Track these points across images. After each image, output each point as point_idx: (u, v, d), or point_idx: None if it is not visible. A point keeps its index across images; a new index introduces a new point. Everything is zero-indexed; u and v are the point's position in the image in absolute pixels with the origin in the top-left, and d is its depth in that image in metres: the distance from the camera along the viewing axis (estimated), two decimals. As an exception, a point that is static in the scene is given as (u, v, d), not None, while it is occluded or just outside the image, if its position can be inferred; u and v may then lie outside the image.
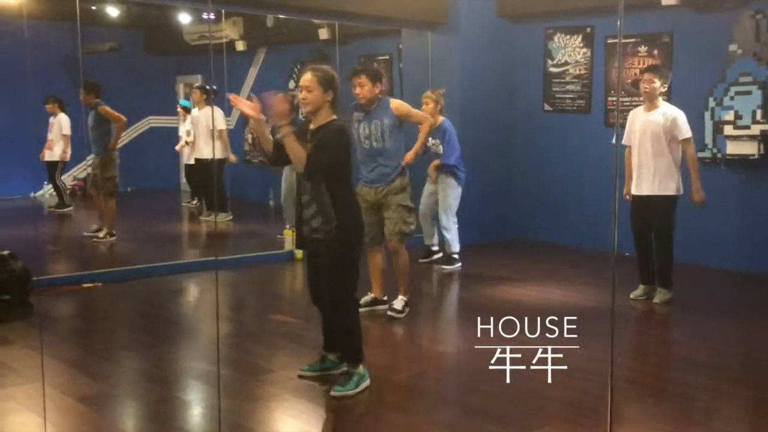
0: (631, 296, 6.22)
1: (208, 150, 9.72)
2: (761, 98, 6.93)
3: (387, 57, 10.28)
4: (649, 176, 5.97)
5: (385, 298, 5.98)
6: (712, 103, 7.33)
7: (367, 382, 4.33)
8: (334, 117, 4.22)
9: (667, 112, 5.96)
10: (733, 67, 7.19)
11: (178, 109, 11.39)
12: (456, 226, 7.45)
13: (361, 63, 10.58)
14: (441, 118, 7.31)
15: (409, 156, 5.98)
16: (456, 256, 7.51)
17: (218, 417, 3.85)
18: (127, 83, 11.95)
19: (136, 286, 6.98)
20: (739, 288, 6.28)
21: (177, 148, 11.19)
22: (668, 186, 5.94)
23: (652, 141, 5.96)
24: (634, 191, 6.11)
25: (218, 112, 10.03)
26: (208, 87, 9.80)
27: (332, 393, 4.25)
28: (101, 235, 8.80)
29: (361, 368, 4.34)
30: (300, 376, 4.50)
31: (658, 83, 5.98)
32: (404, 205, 5.72)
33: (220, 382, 4.40)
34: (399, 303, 5.83)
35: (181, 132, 11.11)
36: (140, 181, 12.06)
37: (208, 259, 7.68)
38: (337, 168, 4.20)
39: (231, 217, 10.04)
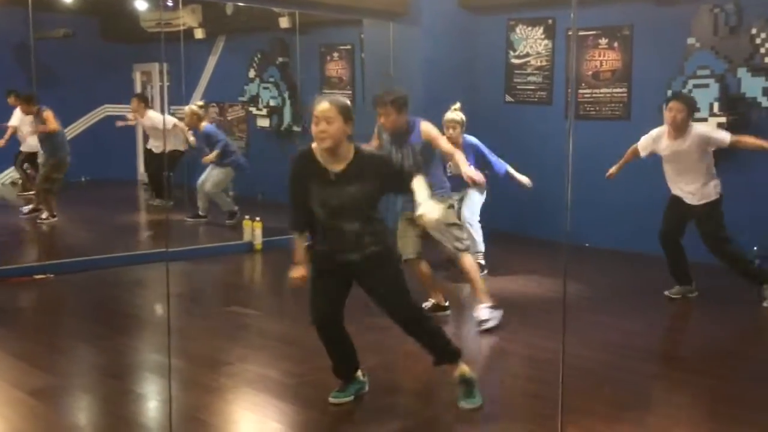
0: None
1: (160, 144, 10.09)
2: (719, 91, 7.00)
3: (349, 47, 10.21)
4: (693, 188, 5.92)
5: (447, 303, 5.71)
6: (670, 95, 7.38)
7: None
8: (358, 146, 3.84)
9: (697, 133, 5.79)
10: (692, 60, 7.25)
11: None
12: None
13: (321, 52, 10.50)
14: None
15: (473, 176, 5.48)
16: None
17: (169, 410, 3.76)
18: (83, 71, 11.72)
19: (90, 278, 6.84)
20: (697, 279, 6.33)
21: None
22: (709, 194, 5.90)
23: (687, 163, 5.86)
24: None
25: (158, 116, 10.32)
26: (146, 96, 10.47)
27: (464, 407, 3.95)
28: (44, 216, 9.13)
29: (466, 369, 4.00)
30: (334, 404, 4.03)
31: (685, 114, 5.73)
32: (451, 223, 5.42)
33: (177, 375, 4.33)
34: (484, 313, 5.43)
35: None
36: (96, 171, 11.80)
37: (160, 251, 7.54)
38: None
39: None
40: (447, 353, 3.98)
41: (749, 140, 5.80)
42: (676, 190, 6.03)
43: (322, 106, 3.72)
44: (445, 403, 4.05)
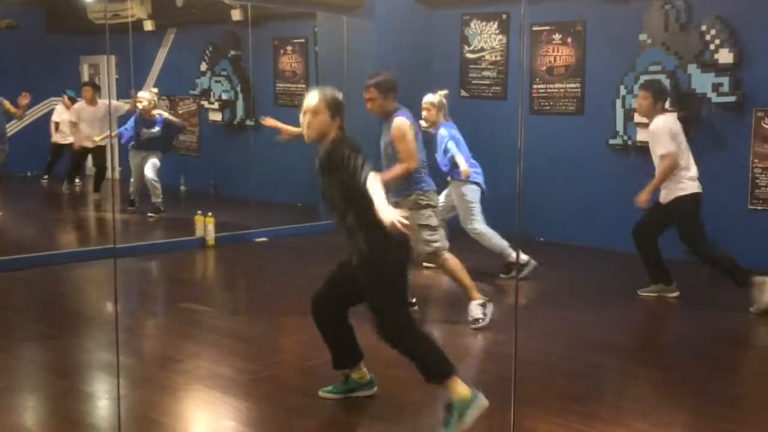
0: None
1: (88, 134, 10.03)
2: (669, 87, 7.07)
3: (302, 40, 10.11)
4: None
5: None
6: (623, 91, 7.47)
7: (476, 410, 3.55)
8: (339, 137, 3.72)
9: (654, 125, 5.78)
10: (643, 56, 7.33)
11: (65, 99, 11.07)
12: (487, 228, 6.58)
13: (275, 45, 10.38)
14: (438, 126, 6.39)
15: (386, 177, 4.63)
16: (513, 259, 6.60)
17: (118, 409, 3.66)
18: (28, 63, 11.43)
19: (36, 275, 6.64)
20: (641, 272, 6.38)
21: (54, 139, 11.16)
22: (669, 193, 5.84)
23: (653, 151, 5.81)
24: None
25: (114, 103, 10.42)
26: (96, 83, 10.56)
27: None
28: None
29: (459, 392, 3.56)
30: (321, 398, 3.99)
31: (650, 101, 5.76)
32: (423, 224, 5.18)
33: (126, 373, 4.23)
34: (475, 310, 5.23)
35: (57, 118, 11.07)
36: (41, 167, 11.51)
37: (108, 247, 7.36)
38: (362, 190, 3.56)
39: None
40: (432, 370, 3.66)
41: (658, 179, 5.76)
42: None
43: (310, 100, 3.74)
44: (402, 400, 4.02)
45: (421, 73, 8.81)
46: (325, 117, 3.69)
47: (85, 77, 12.24)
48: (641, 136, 7.20)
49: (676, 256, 6.15)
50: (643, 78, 7.23)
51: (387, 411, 3.89)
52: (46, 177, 11.48)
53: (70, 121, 10.23)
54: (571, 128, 7.92)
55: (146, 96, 9.20)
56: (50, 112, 11.50)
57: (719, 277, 5.97)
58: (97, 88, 10.37)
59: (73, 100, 10.80)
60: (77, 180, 11.19)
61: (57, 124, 11.10)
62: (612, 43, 7.60)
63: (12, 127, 10.44)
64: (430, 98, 6.43)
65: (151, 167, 9.14)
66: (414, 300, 5.52)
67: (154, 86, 11.08)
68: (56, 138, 11.05)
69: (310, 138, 3.74)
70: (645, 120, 6.06)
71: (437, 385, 3.67)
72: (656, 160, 5.80)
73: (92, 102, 9.99)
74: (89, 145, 9.98)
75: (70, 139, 10.48)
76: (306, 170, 5.44)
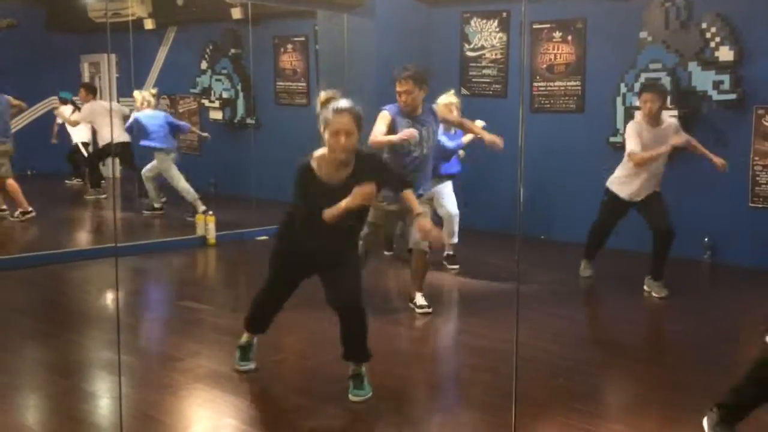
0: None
1: (108, 135, 10.14)
2: (670, 85, 7.07)
3: (303, 38, 10.11)
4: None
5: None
6: (623, 89, 7.47)
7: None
8: (360, 149, 3.89)
9: (671, 122, 6.04)
10: (644, 54, 7.32)
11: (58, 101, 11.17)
12: None
13: (275, 43, 10.38)
14: None
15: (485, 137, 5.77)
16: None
17: (120, 408, 3.66)
18: (28, 62, 11.44)
19: (37, 274, 6.65)
20: (641, 270, 6.40)
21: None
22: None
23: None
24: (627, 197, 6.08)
25: (104, 105, 10.45)
26: (93, 85, 10.73)
27: (354, 399, 3.89)
28: (15, 214, 8.84)
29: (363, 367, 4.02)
30: (240, 371, 4.23)
31: (660, 103, 5.83)
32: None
33: (127, 372, 4.23)
34: (422, 299, 5.57)
35: (67, 113, 11.00)
36: (42, 164, 11.52)
37: (109, 246, 7.37)
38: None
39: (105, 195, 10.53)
40: (363, 353, 3.97)
41: (697, 145, 6.02)
42: (627, 189, 6.06)
43: (344, 119, 3.67)
44: (403, 397, 4.02)
45: (421, 71, 8.80)
46: (356, 136, 3.71)
47: (86, 76, 12.27)
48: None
49: (675, 255, 6.14)
50: (644, 75, 7.25)
51: (388, 409, 3.89)
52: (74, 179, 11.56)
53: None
54: (572, 126, 7.92)
55: (137, 95, 9.19)
56: (51, 112, 11.52)
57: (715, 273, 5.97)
58: (89, 89, 10.41)
59: (65, 102, 10.86)
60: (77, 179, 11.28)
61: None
62: (612, 41, 7.59)
63: (12, 126, 10.44)
64: (451, 99, 6.44)
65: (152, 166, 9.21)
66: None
67: (155, 85, 11.11)
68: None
69: (342, 158, 3.71)
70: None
71: (358, 362, 3.93)
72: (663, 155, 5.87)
73: (85, 100, 10.20)
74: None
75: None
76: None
